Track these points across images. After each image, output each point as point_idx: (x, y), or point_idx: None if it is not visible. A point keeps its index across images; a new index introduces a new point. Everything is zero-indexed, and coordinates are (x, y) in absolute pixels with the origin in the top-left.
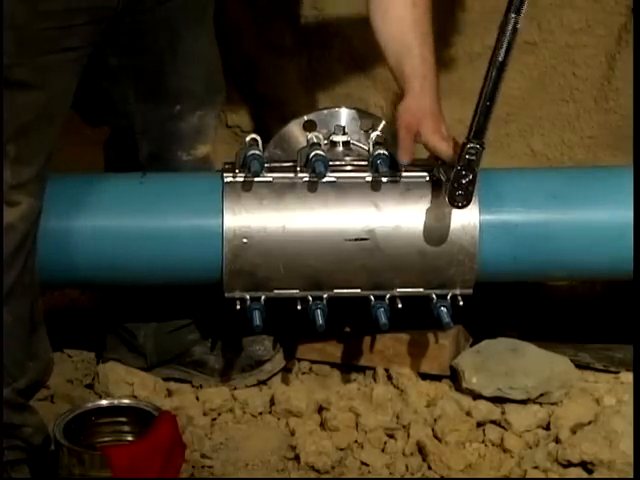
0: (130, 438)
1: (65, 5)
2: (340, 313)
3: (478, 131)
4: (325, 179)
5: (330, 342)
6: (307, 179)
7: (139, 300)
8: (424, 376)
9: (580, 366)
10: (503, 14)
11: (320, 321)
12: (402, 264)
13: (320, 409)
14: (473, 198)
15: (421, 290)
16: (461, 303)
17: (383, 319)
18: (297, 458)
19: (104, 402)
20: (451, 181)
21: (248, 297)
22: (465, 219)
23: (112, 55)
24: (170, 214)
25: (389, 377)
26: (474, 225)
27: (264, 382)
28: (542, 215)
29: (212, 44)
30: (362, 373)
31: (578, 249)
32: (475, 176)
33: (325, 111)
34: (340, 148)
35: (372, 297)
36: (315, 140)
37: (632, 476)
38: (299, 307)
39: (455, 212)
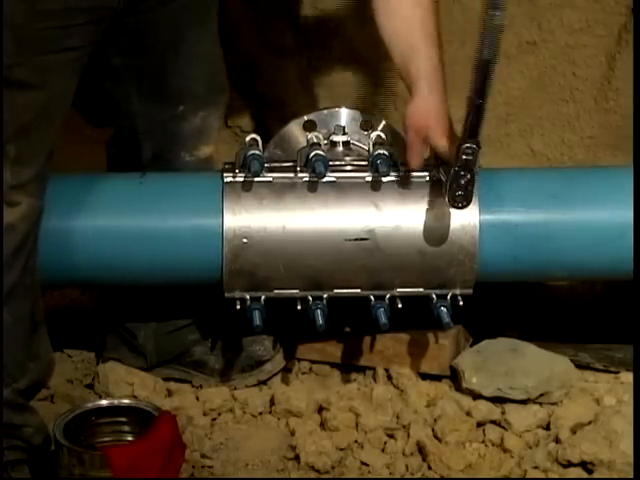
0: (130, 438)
1: (64, 5)
2: (340, 313)
3: (472, 131)
4: (325, 179)
5: (330, 342)
6: (307, 179)
7: (139, 300)
8: (424, 376)
9: (580, 366)
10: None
11: (320, 321)
12: (402, 264)
13: (320, 409)
14: (473, 198)
15: (421, 290)
16: (461, 303)
17: (383, 319)
18: (297, 458)
19: (104, 402)
20: (450, 182)
21: (248, 297)
22: (465, 219)
23: (115, 55)
24: (170, 214)
25: (389, 377)
26: (474, 225)
27: (264, 382)
28: (542, 215)
29: (215, 44)
30: (362, 373)
31: (578, 249)
32: (473, 176)
33: (325, 111)
34: (340, 148)
35: (372, 297)
36: (315, 140)
37: (632, 476)
38: (299, 307)
39: (455, 212)
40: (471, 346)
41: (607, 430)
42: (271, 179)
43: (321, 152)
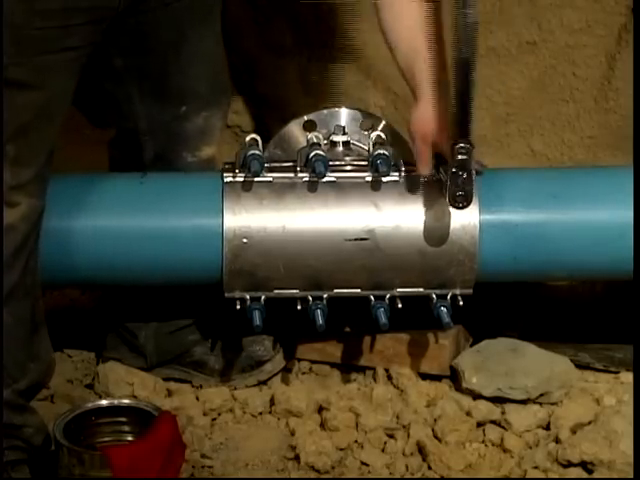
0: (130, 438)
1: (64, 4)
2: (340, 313)
3: (463, 130)
4: (325, 179)
5: (330, 342)
6: (307, 179)
7: (140, 300)
8: (424, 376)
9: (580, 366)
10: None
11: (320, 321)
12: (402, 264)
13: (320, 409)
14: (473, 198)
15: (421, 290)
16: (461, 303)
17: (383, 319)
18: (297, 458)
19: (104, 402)
20: (449, 183)
21: (248, 297)
22: (465, 219)
23: (116, 56)
24: (170, 214)
25: (389, 377)
26: (474, 225)
27: (264, 382)
28: (542, 215)
29: (218, 44)
30: (362, 373)
31: (578, 249)
32: (471, 174)
33: (325, 111)
34: (340, 148)
35: (372, 297)
36: (315, 140)
37: (632, 476)
38: (299, 307)
39: (455, 212)
40: (471, 346)
41: (607, 430)
42: (271, 179)
43: (321, 152)
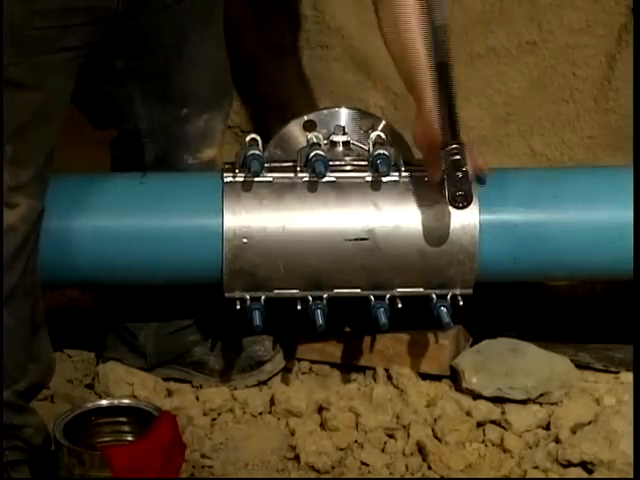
0: (130, 438)
1: (61, 4)
2: (340, 313)
3: (452, 133)
4: (325, 179)
5: (330, 342)
6: (307, 179)
7: (140, 300)
8: (424, 376)
9: (580, 366)
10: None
11: (320, 321)
12: (402, 264)
13: (320, 409)
14: (473, 198)
15: (421, 290)
16: (461, 303)
17: (383, 319)
18: (297, 458)
19: (104, 402)
20: (447, 185)
21: (248, 297)
22: (465, 219)
23: (117, 58)
24: (170, 214)
25: (389, 377)
26: (474, 225)
27: (264, 382)
28: (542, 215)
29: (220, 47)
30: (362, 373)
31: (578, 249)
32: (466, 173)
33: (325, 111)
34: (340, 148)
35: (372, 297)
36: (315, 140)
37: (632, 476)
38: (299, 307)
39: (455, 212)
40: (471, 346)
41: (607, 430)
42: (271, 179)
43: (321, 152)
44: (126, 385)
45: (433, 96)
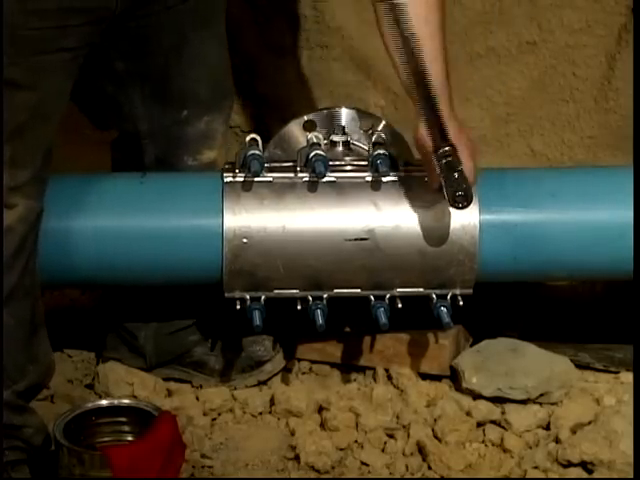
0: (130, 438)
1: (59, 5)
2: (340, 313)
3: (442, 136)
4: (325, 179)
5: (330, 342)
6: (307, 179)
7: (140, 300)
8: (424, 376)
9: (580, 366)
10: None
11: (320, 321)
12: (402, 264)
13: (320, 409)
14: (473, 198)
15: (421, 290)
16: (461, 303)
17: (383, 319)
18: (297, 458)
19: (104, 402)
20: (445, 187)
21: (248, 297)
22: (465, 219)
23: (117, 59)
24: (170, 214)
25: (389, 377)
26: (474, 225)
27: (264, 382)
28: (542, 215)
29: (221, 48)
30: (362, 373)
31: (578, 249)
32: (461, 172)
33: (325, 111)
34: (340, 148)
35: (372, 297)
36: (315, 140)
37: (632, 476)
38: (299, 307)
39: (455, 212)
40: (471, 346)
41: (607, 430)
42: (271, 179)
43: (321, 152)
44: (126, 385)
45: (416, 105)
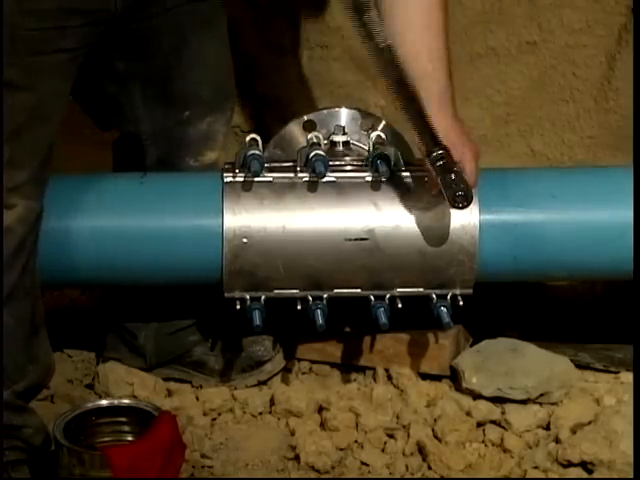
0: (130, 438)
1: (58, 5)
2: (340, 313)
3: (431, 139)
4: (325, 179)
5: (330, 342)
6: (307, 179)
7: (140, 300)
8: (424, 376)
9: (580, 366)
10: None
11: (320, 321)
12: (402, 264)
13: (320, 409)
14: (473, 198)
15: (421, 290)
16: (461, 303)
17: (383, 319)
18: (297, 458)
19: (104, 402)
20: (444, 189)
21: (248, 297)
22: (465, 219)
23: (118, 60)
24: (170, 214)
25: (389, 377)
26: (474, 225)
27: (264, 382)
28: (542, 215)
29: (222, 49)
30: (362, 373)
31: (578, 249)
32: (458, 172)
33: (325, 111)
34: (340, 148)
35: (372, 297)
36: (315, 140)
37: (632, 476)
38: (299, 307)
39: (455, 212)
40: (471, 346)
41: (607, 430)
42: (271, 179)
43: (321, 152)
44: (126, 385)
45: (403, 113)
